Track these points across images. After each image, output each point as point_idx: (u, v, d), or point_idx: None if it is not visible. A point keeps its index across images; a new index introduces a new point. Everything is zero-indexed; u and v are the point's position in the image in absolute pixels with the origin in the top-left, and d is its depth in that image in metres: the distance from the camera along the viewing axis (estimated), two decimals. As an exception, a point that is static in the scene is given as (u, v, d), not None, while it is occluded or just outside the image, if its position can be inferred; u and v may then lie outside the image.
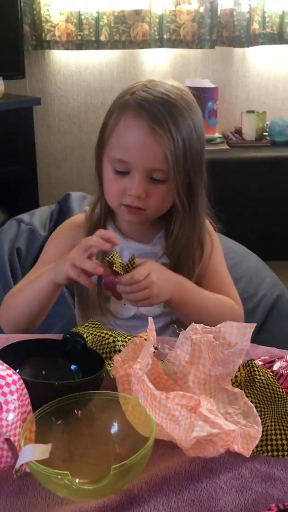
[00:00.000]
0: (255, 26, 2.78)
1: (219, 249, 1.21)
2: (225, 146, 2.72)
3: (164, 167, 1.01)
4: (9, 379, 0.68)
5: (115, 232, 1.15)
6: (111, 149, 1.04)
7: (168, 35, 2.73)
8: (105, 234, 1.00)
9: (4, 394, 0.66)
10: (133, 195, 1.03)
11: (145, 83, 1.05)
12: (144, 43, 2.72)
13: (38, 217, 1.71)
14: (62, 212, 1.72)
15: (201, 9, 2.68)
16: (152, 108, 1.00)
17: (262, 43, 2.83)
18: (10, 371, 0.69)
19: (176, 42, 2.76)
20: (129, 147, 1.01)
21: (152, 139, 0.99)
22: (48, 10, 2.58)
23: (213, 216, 1.19)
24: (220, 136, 2.85)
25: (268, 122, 2.85)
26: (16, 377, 0.69)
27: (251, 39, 2.79)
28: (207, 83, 2.78)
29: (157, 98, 1.01)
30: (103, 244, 0.97)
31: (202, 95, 2.67)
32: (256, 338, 0.95)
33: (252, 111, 2.85)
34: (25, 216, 1.70)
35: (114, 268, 0.95)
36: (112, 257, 0.96)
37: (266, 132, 2.84)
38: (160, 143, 0.99)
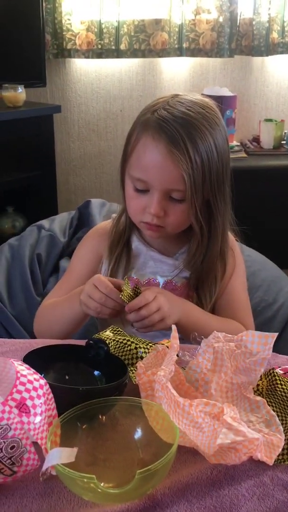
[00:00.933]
0: (274, 35, 2.79)
1: (241, 271, 1.20)
2: (243, 154, 2.73)
3: (182, 187, 1.01)
4: (36, 384, 0.69)
5: (140, 241, 1.17)
6: (131, 168, 1.06)
7: (187, 44, 2.75)
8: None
9: (32, 398, 0.67)
10: (152, 214, 1.04)
11: (168, 100, 1.04)
12: (164, 52, 2.74)
13: (58, 223, 1.73)
14: (82, 219, 1.75)
15: (221, 19, 2.70)
16: (171, 129, 0.99)
17: (281, 52, 2.84)
18: (37, 376, 0.71)
19: (195, 51, 2.77)
20: (147, 167, 1.02)
21: (170, 161, 1.00)
22: (69, 19, 2.61)
23: (237, 230, 1.20)
24: (238, 144, 2.86)
25: (286, 131, 2.85)
26: (43, 381, 0.71)
27: (270, 48, 2.79)
28: (226, 92, 2.79)
29: (177, 119, 1.00)
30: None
31: (221, 103, 2.68)
32: (274, 347, 0.96)
33: (270, 120, 2.86)
34: (45, 222, 1.72)
35: (120, 296, 0.97)
36: (124, 285, 0.99)
37: (284, 140, 2.84)
38: (178, 165, 0.99)
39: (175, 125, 1.00)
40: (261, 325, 1.44)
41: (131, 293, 0.99)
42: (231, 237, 1.19)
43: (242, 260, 1.21)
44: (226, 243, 1.14)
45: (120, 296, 0.97)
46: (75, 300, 1.07)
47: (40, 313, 1.19)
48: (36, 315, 1.19)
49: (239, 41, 2.81)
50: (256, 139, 2.89)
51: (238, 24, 2.77)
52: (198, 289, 1.14)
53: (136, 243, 1.17)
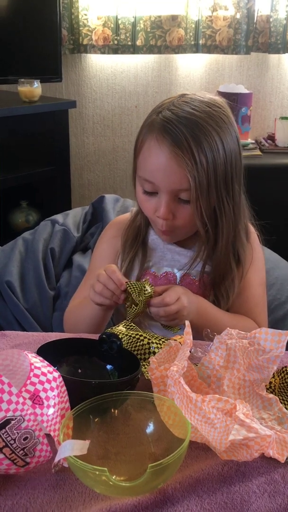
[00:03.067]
0: (292, 32, 2.77)
1: (259, 265, 1.19)
2: (258, 152, 2.72)
3: (188, 187, 1.01)
4: (50, 376, 0.70)
5: (157, 235, 1.18)
6: (139, 169, 1.06)
7: (203, 40, 2.74)
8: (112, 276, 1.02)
9: (45, 390, 0.68)
10: (160, 217, 1.04)
11: (174, 100, 1.03)
12: (180, 48, 2.73)
13: (71, 218, 1.73)
14: (96, 214, 1.75)
15: (238, 15, 2.69)
16: (175, 130, 0.99)
17: (298, 50, 2.82)
18: (51, 368, 0.72)
19: (211, 48, 2.76)
20: (153, 170, 1.02)
21: (174, 163, 0.99)
22: (86, 14, 2.61)
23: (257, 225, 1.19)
24: (253, 142, 2.84)
25: (301, 129, 2.83)
26: (56, 374, 0.71)
27: (287, 46, 2.78)
28: (242, 89, 2.78)
29: (181, 119, 0.99)
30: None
31: (236, 100, 2.67)
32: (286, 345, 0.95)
33: (286, 118, 2.84)
34: (59, 217, 1.73)
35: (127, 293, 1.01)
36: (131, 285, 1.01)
37: (299, 139, 2.82)
38: (182, 167, 0.99)
39: (179, 126, 0.99)
40: (273, 324, 1.43)
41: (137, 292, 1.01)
42: (251, 230, 1.18)
43: (261, 255, 1.20)
44: (240, 242, 1.13)
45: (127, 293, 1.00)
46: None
47: (67, 314, 1.22)
48: (64, 316, 1.23)
49: (255, 38, 2.79)
50: (271, 137, 2.88)
51: (255, 21, 2.75)
52: (215, 288, 1.14)
53: (153, 237, 1.18)
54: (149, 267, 1.17)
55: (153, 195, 1.05)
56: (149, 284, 1.02)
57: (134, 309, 1.01)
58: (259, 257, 1.19)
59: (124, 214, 1.26)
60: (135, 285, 1.01)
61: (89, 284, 1.18)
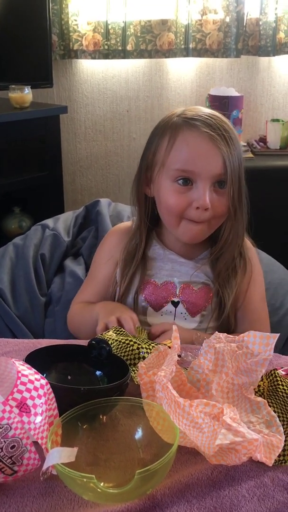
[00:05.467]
0: (281, 35, 2.78)
1: (259, 281, 1.21)
2: (250, 155, 2.72)
3: (224, 171, 1.06)
4: (37, 383, 0.70)
5: (159, 245, 1.19)
6: (172, 164, 1.08)
7: (194, 44, 2.75)
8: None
9: (32, 397, 0.68)
10: (201, 206, 1.06)
11: (181, 109, 1.11)
12: (170, 52, 2.74)
13: (62, 222, 1.73)
14: (88, 217, 1.74)
15: (227, 19, 2.70)
16: (205, 120, 1.06)
17: (288, 52, 2.83)
18: (38, 376, 0.71)
19: (201, 51, 2.77)
20: (193, 156, 1.06)
21: (212, 145, 1.05)
22: (76, 20, 2.62)
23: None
24: (245, 144, 2.85)
25: (293, 131, 2.84)
26: (44, 381, 0.71)
27: (277, 48, 2.78)
28: (232, 92, 2.78)
29: (206, 114, 1.08)
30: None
31: (227, 103, 2.68)
32: (282, 351, 0.95)
33: (277, 120, 2.85)
34: (49, 222, 1.72)
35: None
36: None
37: (291, 140, 2.83)
38: (219, 150, 1.05)
39: (208, 117, 1.07)
40: (267, 329, 1.43)
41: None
42: (248, 244, 1.20)
43: (260, 270, 1.22)
44: (243, 242, 1.17)
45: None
46: (94, 310, 1.13)
47: (70, 316, 1.26)
48: (68, 317, 1.27)
49: (245, 41, 2.80)
50: (263, 140, 2.88)
51: (244, 24, 2.76)
52: (219, 289, 1.16)
53: (154, 247, 1.18)
54: (150, 276, 1.18)
55: (188, 189, 1.07)
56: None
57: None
58: (258, 272, 1.20)
59: (125, 222, 1.27)
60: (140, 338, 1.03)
61: (89, 291, 1.24)
